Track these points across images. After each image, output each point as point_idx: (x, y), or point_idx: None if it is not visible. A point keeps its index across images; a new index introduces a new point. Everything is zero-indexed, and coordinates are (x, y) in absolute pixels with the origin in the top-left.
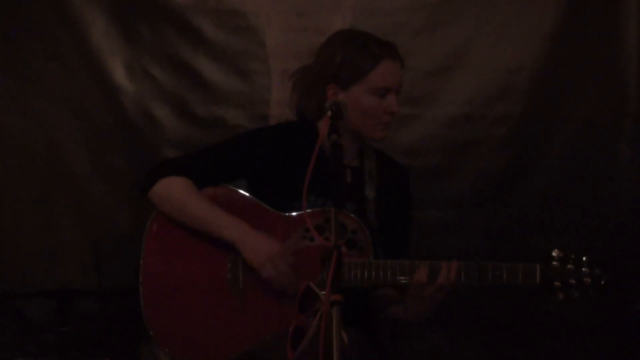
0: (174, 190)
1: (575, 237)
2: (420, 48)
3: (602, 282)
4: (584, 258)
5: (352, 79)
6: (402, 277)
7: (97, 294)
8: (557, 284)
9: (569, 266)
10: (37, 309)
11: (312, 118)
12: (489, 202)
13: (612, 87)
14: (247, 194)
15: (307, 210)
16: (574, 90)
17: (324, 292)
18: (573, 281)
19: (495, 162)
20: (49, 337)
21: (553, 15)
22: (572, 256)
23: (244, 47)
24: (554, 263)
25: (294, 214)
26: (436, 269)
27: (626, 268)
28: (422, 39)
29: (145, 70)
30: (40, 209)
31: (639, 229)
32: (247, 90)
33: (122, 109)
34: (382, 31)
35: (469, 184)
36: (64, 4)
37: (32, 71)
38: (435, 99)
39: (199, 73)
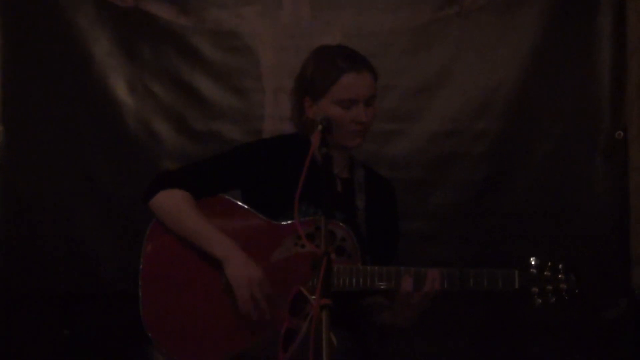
0: (172, 202)
1: (551, 246)
2: (405, 68)
3: (577, 288)
4: (560, 265)
5: (320, 92)
6: (386, 283)
7: (98, 297)
8: (534, 289)
9: (546, 273)
10: (40, 312)
11: (299, 129)
12: (469, 212)
13: (587, 104)
14: (241, 204)
15: (299, 219)
16: (550, 107)
17: (314, 297)
18: (550, 287)
19: (476, 175)
20: (52, 339)
21: (531, 37)
22: (549, 263)
23: (239, 66)
24: (531, 270)
25: (286, 222)
26: (421, 277)
27: (599, 276)
28: (407, 59)
29: (146, 87)
30: (52, 214)
31: (612, 239)
32: (242, 106)
33: (125, 123)
34: (368, 52)
35: (451, 195)
36: (71, 26)
37: (41, 88)
38: (419, 115)
39: (197, 90)
